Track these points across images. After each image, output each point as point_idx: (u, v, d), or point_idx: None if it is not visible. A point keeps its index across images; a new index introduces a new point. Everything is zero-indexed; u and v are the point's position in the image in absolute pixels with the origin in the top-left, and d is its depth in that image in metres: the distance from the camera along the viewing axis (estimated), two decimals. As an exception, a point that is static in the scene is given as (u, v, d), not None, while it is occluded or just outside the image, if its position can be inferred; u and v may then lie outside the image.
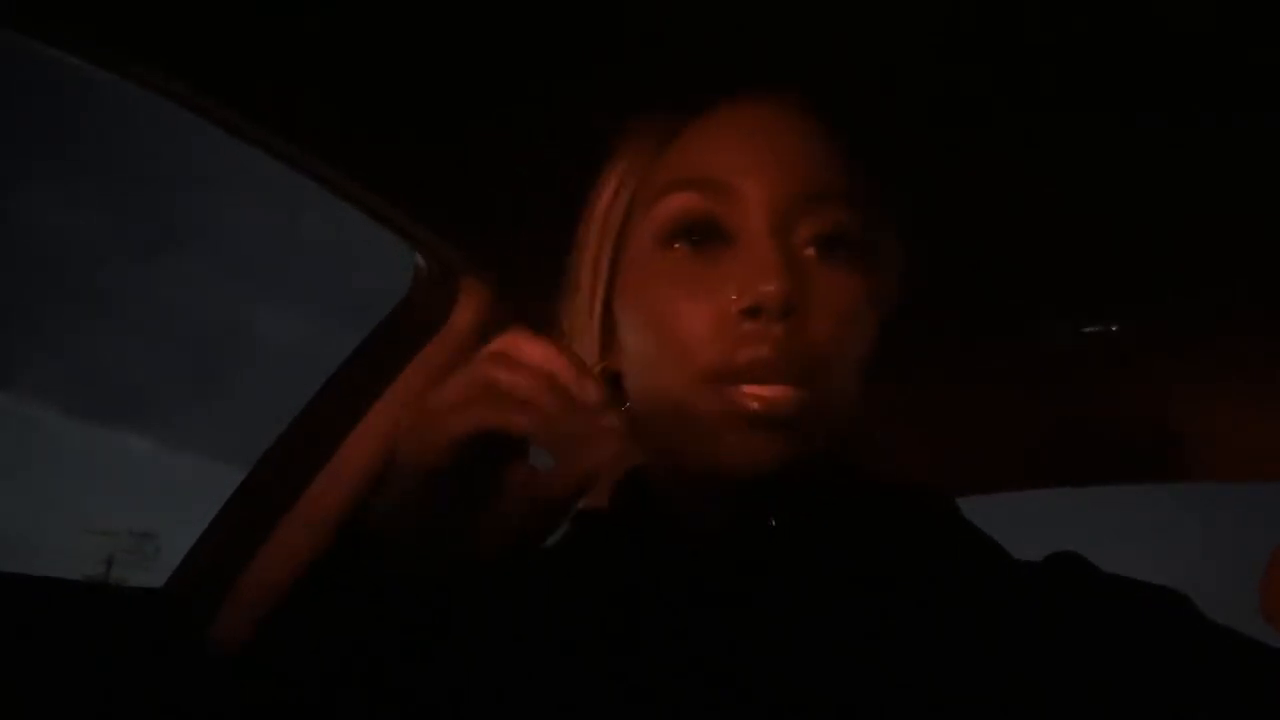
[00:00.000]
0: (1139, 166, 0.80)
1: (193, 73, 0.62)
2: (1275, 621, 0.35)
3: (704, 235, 0.48)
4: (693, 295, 0.47)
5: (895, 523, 0.49)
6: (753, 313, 0.44)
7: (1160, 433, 1.35)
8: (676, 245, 0.48)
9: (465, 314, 0.92)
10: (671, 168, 0.50)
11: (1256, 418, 1.29)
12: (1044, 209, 0.90)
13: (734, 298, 0.45)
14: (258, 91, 0.66)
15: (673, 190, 0.49)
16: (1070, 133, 0.75)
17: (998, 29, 0.62)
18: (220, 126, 0.67)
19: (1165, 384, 1.26)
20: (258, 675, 0.45)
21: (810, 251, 0.48)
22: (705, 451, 0.46)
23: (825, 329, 0.46)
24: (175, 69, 0.61)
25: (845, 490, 0.51)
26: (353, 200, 0.77)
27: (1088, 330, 1.15)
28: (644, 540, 0.51)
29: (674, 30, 0.65)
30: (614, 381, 0.53)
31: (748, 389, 0.44)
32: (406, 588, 0.40)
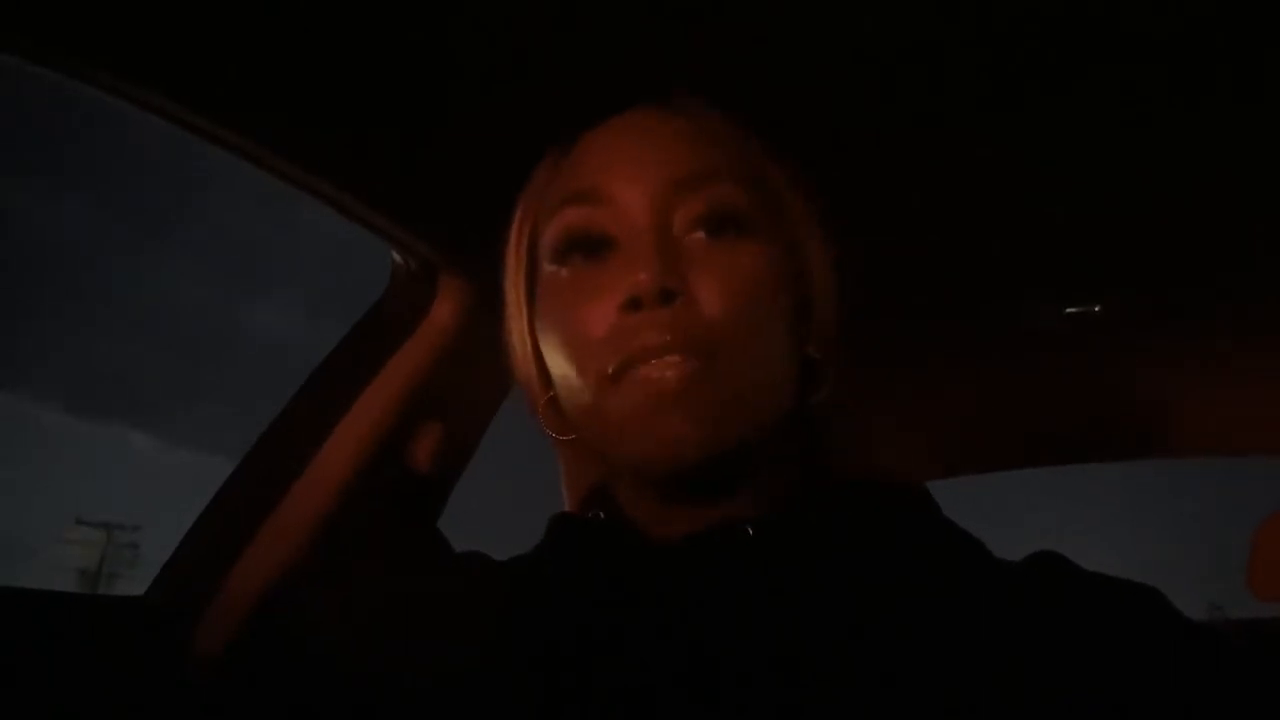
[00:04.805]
0: (1126, 160, 0.80)
1: (156, 76, 0.61)
2: (1270, 597, 0.36)
3: (593, 245, 0.49)
4: (586, 304, 0.47)
5: (875, 523, 0.48)
6: (634, 305, 0.45)
7: (1143, 410, 1.36)
8: (570, 260, 0.49)
9: (444, 309, 0.92)
10: (560, 186, 0.51)
11: (1235, 391, 1.30)
12: (1029, 197, 0.90)
13: (616, 297, 0.46)
14: (227, 96, 0.65)
15: (559, 208, 0.50)
16: (1058, 125, 0.75)
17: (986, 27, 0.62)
18: (190, 132, 0.66)
19: (1147, 362, 1.27)
20: (235, 691, 0.45)
21: (699, 234, 0.48)
22: (626, 452, 0.47)
23: (717, 305, 0.46)
24: (136, 73, 0.60)
25: (820, 490, 0.50)
26: (324, 199, 0.76)
27: (1070, 311, 1.16)
28: (614, 551, 0.51)
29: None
30: (559, 410, 0.52)
31: (641, 373, 0.44)
32: (378, 599, 0.40)
